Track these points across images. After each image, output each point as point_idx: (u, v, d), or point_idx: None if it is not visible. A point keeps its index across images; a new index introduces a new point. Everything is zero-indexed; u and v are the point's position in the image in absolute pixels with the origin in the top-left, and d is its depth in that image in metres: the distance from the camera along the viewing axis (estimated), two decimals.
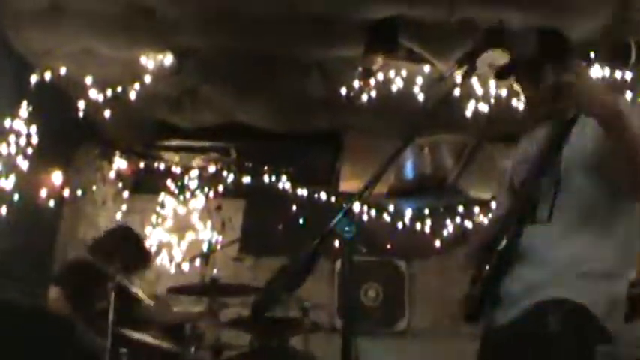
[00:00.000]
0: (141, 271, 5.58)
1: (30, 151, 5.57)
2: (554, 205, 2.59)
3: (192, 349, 5.22)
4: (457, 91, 5.68)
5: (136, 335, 4.77)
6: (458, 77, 2.75)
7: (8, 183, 5.35)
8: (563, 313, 2.47)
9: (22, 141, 5.52)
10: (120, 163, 7.66)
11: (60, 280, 5.09)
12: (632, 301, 2.75)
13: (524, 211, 2.66)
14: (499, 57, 5.06)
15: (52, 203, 6.02)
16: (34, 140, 5.62)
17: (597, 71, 5.40)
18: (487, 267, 2.66)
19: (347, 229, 2.47)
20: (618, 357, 2.53)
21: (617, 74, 5.48)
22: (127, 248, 5.39)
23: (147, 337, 4.89)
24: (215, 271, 6.80)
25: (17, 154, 5.47)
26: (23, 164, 5.51)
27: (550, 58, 2.79)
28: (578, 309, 2.49)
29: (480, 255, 2.77)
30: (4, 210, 5.29)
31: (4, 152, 5.37)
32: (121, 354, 4.49)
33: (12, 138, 5.45)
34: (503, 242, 2.64)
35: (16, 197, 5.42)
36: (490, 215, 7.50)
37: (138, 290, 5.32)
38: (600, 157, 2.57)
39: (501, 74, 2.96)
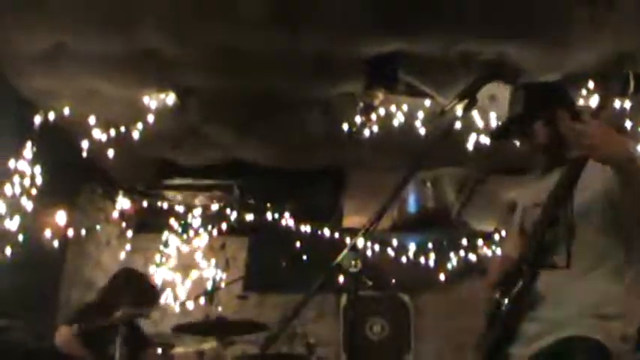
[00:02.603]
0: (151, 308, 5.54)
1: (34, 191, 5.59)
2: (571, 249, 2.61)
3: None
4: (458, 124, 5.69)
5: None
6: (459, 111, 2.75)
7: (13, 224, 5.37)
8: (587, 349, 2.53)
9: (27, 181, 5.55)
10: (123, 203, 7.67)
11: (72, 321, 5.07)
12: None
13: (539, 257, 2.68)
14: (499, 89, 5.11)
15: (56, 243, 6.02)
16: (38, 181, 5.64)
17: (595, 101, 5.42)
18: (504, 309, 2.71)
19: (353, 263, 2.49)
20: None
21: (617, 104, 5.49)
22: (133, 289, 5.38)
23: None
24: (220, 309, 6.80)
25: (21, 194, 5.49)
26: (27, 205, 5.52)
27: (538, 113, 2.86)
28: (599, 346, 2.53)
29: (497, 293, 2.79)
30: (8, 250, 5.30)
31: (9, 193, 5.40)
32: None
33: (16, 178, 5.48)
34: (519, 286, 2.68)
35: (20, 238, 5.43)
36: (497, 250, 7.57)
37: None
38: (611, 197, 2.61)
39: (496, 135, 3.06)
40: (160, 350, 5.62)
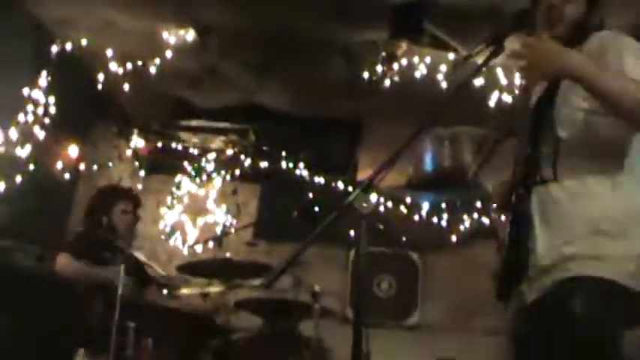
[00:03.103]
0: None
1: (47, 121, 5.54)
2: (559, 162, 2.50)
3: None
4: (481, 81, 5.60)
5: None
6: (483, 59, 2.66)
7: (24, 152, 5.32)
8: (586, 292, 2.37)
9: (40, 110, 5.49)
10: (137, 142, 7.61)
11: (69, 248, 5.04)
12: None
13: (529, 173, 2.58)
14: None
15: (67, 176, 5.99)
16: (52, 111, 5.58)
17: None
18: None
19: (364, 204, 2.43)
20: None
21: None
22: (118, 197, 5.38)
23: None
24: (228, 254, 6.78)
25: (34, 123, 5.44)
26: (40, 134, 5.47)
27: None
28: (602, 284, 2.37)
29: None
30: (18, 178, 5.26)
31: (22, 120, 5.34)
32: (128, 328, 4.44)
33: (30, 107, 5.42)
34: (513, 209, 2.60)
35: (31, 167, 5.39)
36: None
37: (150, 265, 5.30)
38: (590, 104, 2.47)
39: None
40: (165, 291, 5.60)
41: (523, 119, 2.76)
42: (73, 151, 6.09)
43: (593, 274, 2.38)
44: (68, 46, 5.66)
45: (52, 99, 5.57)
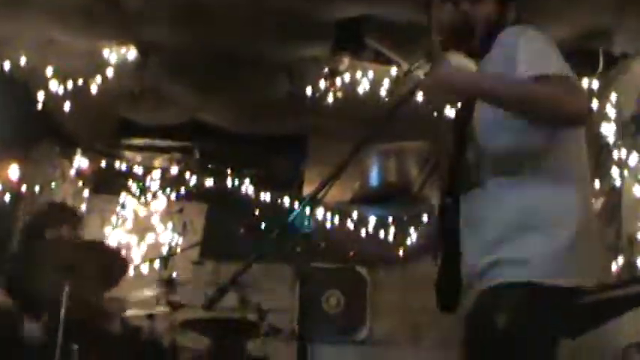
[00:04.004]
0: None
1: None
2: (481, 168, 2.51)
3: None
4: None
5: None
6: (424, 73, 2.69)
7: None
8: (507, 300, 2.34)
9: None
10: (81, 161, 7.51)
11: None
12: (605, 305, 2.64)
13: (456, 183, 2.62)
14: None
15: (7, 197, 5.88)
16: None
17: None
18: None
19: (305, 223, 2.44)
20: None
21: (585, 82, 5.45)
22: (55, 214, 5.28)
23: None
24: (175, 274, 6.72)
25: None
26: None
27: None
28: (521, 289, 2.33)
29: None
30: None
31: None
32: (72, 351, 4.36)
33: None
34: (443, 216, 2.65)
35: None
36: None
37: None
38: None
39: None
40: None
41: (443, 136, 2.81)
42: (13, 171, 5.98)
43: (518, 279, 2.34)
44: (7, 65, 5.57)
45: None
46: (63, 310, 4.30)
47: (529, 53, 2.42)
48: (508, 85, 2.41)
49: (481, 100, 2.51)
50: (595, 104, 5.57)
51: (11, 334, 4.35)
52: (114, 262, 4.86)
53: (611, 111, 5.57)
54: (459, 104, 2.72)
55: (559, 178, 2.45)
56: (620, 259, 5.15)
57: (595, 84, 5.51)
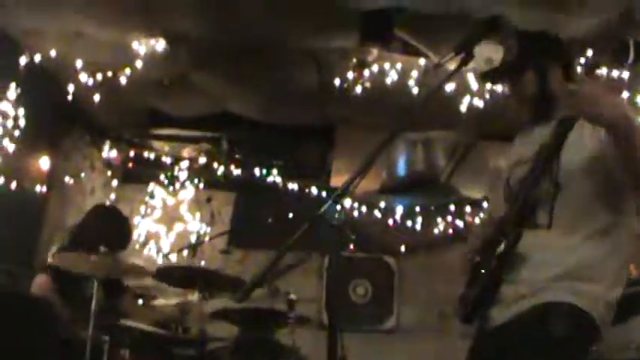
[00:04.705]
0: (123, 249, 5.45)
1: (17, 133, 5.48)
2: (554, 209, 2.56)
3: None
4: (453, 86, 5.62)
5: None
6: (454, 66, 2.69)
7: None
8: (563, 314, 2.48)
9: (9, 123, 5.44)
10: (110, 152, 7.57)
11: (48, 269, 4.99)
12: (628, 300, 2.72)
13: (523, 215, 2.62)
14: (496, 52, 5.01)
15: (38, 189, 5.94)
16: (22, 123, 5.53)
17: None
18: (484, 270, 2.64)
19: (336, 215, 2.44)
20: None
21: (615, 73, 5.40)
22: (106, 223, 5.33)
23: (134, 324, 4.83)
24: (203, 262, 6.75)
25: (3, 136, 5.38)
26: (10, 146, 5.42)
27: (530, 62, 2.78)
28: (577, 311, 2.48)
29: (479, 256, 2.74)
30: None
31: None
32: (102, 342, 4.41)
33: None
34: (502, 246, 2.62)
35: (1, 180, 5.34)
36: (482, 215, 7.51)
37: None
38: (600, 158, 2.55)
39: (484, 75, 3.04)
40: (140, 301, 5.57)
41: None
42: (44, 162, 6.04)
43: (570, 301, 2.50)
44: (37, 58, 5.61)
45: (21, 111, 5.51)
46: (94, 303, 4.35)
47: None
48: None
49: (579, 139, 2.58)
50: (625, 95, 5.52)
51: (52, 322, 4.42)
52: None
53: None
54: (557, 126, 2.71)
55: (621, 234, 2.59)
56: None
57: (625, 75, 5.47)
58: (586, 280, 2.51)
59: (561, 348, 2.44)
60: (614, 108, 2.39)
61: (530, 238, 2.59)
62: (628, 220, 2.61)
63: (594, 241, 2.55)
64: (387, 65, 5.76)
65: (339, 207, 2.46)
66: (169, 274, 5.52)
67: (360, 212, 8.03)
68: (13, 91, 5.47)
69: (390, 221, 8.11)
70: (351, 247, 7.40)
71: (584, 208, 2.57)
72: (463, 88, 5.80)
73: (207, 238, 7.63)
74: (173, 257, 7.44)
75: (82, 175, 7.23)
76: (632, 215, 2.61)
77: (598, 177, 2.58)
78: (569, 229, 2.57)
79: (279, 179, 7.69)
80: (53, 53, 5.61)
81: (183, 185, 7.96)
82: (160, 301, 5.71)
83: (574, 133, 2.61)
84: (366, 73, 5.76)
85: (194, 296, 5.41)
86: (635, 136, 2.40)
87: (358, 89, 5.90)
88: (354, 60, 5.67)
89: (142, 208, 7.97)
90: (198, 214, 8.07)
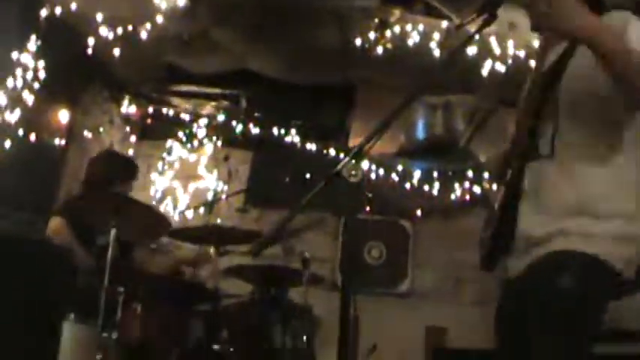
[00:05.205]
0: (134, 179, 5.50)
1: (37, 85, 5.49)
2: (556, 138, 2.48)
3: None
4: (474, 50, 5.57)
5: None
6: (475, 27, 2.63)
7: (13, 116, 5.28)
8: (574, 268, 2.38)
9: (29, 75, 5.43)
10: (128, 107, 7.57)
11: (62, 212, 5.03)
12: None
13: (526, 143, 2.56)
14: (520, 16, 4.95)
15: (57, 141, 5.96)
16: (42, 75, 5.53)
17: None
18: (496, 206, 2.59)
19: (353, 172, 2.41)
20: None
21: None
22: (114, 164, 5.38)
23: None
24: (219, 220, 6.78)
25: (23, 87, 5.38)
26: (29, 99, 5.42)
27: None
28: (589, 263, 2.37)
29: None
30: (7, 143, 5.22)
31: (10, 85, 5.29)
32: (118, 292, 4.44)
33: (19, 71, 5.36)
34: (508, 175, 2.57)
35: (20, 132, 5.35)
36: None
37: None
38: (602, 82, 2.41)
39: None
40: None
41: (530, 86, 2.73)
42: (63, 116, 6.06)
43: (582, 249, 2.38)
44: (58, 10, 5.58)
45: (41, 63, 5.51)
46: (110, 252, 4.37)
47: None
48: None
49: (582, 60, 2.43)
50: None
51: (68, 264, 4.46)
52: (157, 222, 4.93)
53: None
54: (553, 57, 2.62)
55: (631, 169, 2.46)
56: None
57: None
58: (595, 215, 2.40)
59: (576, 304, 2.35)
60: (580, 20, 2.31)
61: (536, 171, 2.52)
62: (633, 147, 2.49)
63: (603, 169, 2.45)
64: (408, 27, 5.72)
65: (356, 166, 2.43)
66: (184, 232, 5.57)
67: (377, 175, 8.00)
68: (33, 43, 5.47)
69: (407, 185, 8.08)
70: (367, 209, 7.41)
71: (588, 135, 2.47)
72: (485, 52, 5.74)
73: (224, 196, 7.65)
74: (189, 214, 7.49)
75: (101, 129, 7.24)
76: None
77: (597, 101, 2.46)
78: (574, 159, 2.47)
79: (297, 139, 7.66)
80: (74, 6, 5.58)
81: (201, 143, 7.96)
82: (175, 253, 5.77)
83: (576, 59, 2.50)
84: (388, 33, 5.72)
85: (211, 249, 5.45)
86: (608, 49, 2.30)
87: (379, 50, 5.87)
88: (376, 20, 5.63)
89: (160, 165, 7.98)
90: (215, 172, 8.07)
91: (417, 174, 8.12)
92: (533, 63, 5.58)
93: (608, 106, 2.44)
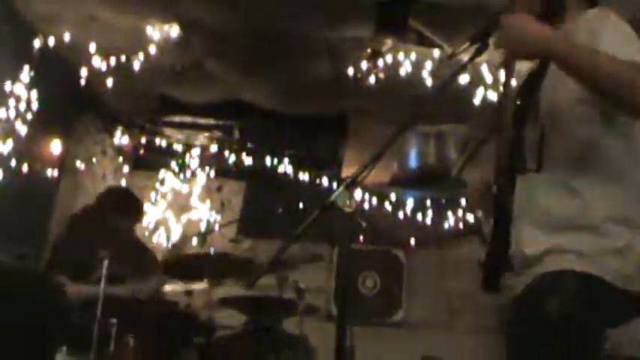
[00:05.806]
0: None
1: (29, 116, 5.49)
2: (543, 153, 2.42)
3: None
4: (466, 78, 5.59)
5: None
6: (467, 57, 2.62)
7: (6, 147, 5.28)
8: (568, 286, 2.30)
9: (22, 106, 5.44)
10: (121, 138, 7.57)
11: (57, 246, 5.02)
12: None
13: (512, 161, 2.51)
14: None
15: (49, 172, 5.95)
16: (34, 106, 5.53)
17: None
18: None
19: (347, 202, 2.41)
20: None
21: None
22: (117, 203, 5.37)
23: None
24: (212, 251, 6.74)
25: (16, 118, 5.39)
26: (22, 129, 5.42)
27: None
28: (582, 278, 2.30)
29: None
30: (0, 174, 5.21)
31: (3, 116, 5.29)
32: (110, 324, 4.41)
33: (12, 102, 5.37)
34: (496, 191, 2.53)
35: (12, 162, 5.34)
36: None
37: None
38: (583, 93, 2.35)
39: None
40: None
41: (507, 105, 2.71)
42: (55, 146, 6.05)
43: (574, 268, 2.32)
44: (51, 41, 5.60)
45: (34, 94, 5.52)
46: (102, 283, 4.35)
47: (615, 38, 2.33)
48: (593, 53, 2.25)
49: (555, 66, 2.35)
50: None
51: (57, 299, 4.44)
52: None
53: None
54: (529, 71, 2.60)
55: (620, 177, 2.39)
56: None
57: None
58: (584, 231, 2.32)
59: (569, 328, 2.28)
60: (536, 39, 2.27)
61: (525, 186, 2.47)
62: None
63: (599, 181, 2.37)
64: (401, 56, 5.74)
65: (349, 195, 2.42)
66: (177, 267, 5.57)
67: (370, 204, 8.01)
68: (26, 74, 5.48)
69: (401, 214, 8.09)
70: (361, 239, 7.40)
71: (574, 147, 2.40)
72: (477, 81, 5.76)
73: (216, 227, 7.63)
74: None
75: (94, 160, 7.23)
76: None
77: (580, 115, 2.39)
78: (561, 172, 2.40)
79: (290, 169, 7.68)
80: (67, 37, 5.60)
81: (194, 173, 7.97)
82: (168, 287, 5.73)
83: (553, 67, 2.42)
84: (380, 63, 5.73)
85: (202, 284, 5.43)
86: (570, 58, 2.25)
87: (372, 79, 5.88)
88: (368, 50, 5.65)
89: (153, 195, 7.98)
90: (208, 203, 8.08)
91: (410, 203, 8.13)
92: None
93: (594, 117, 2.41)
